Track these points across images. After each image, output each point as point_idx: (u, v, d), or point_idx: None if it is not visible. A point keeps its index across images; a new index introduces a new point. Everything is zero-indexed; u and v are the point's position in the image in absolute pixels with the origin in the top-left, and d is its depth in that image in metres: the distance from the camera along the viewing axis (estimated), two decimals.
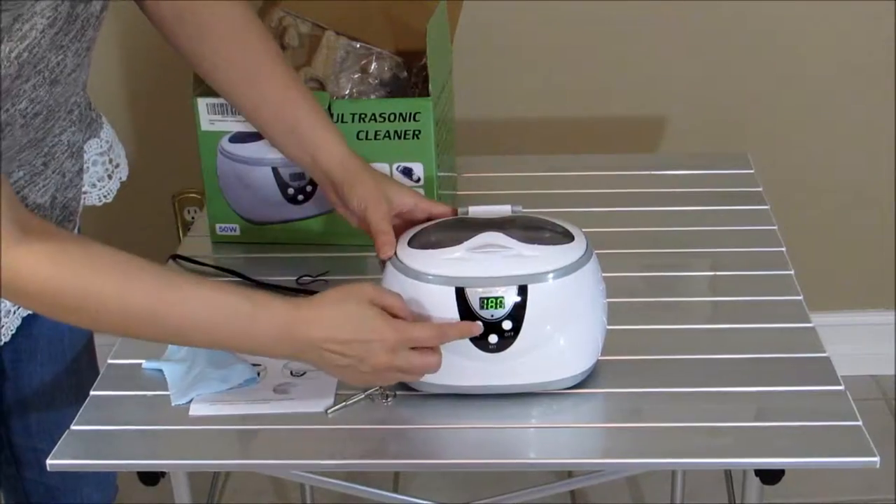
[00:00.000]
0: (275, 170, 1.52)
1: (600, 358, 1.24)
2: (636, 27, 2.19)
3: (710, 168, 1.75)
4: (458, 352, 1.17)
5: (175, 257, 1.54)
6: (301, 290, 1.44)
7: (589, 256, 1.20)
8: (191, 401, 1.23)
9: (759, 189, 1.68)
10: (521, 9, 2.16)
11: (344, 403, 1.22)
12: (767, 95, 2.25)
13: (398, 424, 1.20)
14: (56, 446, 1.17)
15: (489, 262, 1.17)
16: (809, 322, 1.34)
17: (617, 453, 1.18)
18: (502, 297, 1.16)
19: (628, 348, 1.29)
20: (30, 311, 1.28)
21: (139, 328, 1.10)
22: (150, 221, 2.26)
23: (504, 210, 1.27)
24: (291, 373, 1.27)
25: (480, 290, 1.16)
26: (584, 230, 1.24)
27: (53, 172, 1.24)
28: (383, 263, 1.23)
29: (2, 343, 1.28)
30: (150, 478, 1.22)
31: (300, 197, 1.53)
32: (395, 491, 2.11)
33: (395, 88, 1.57)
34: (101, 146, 1.37)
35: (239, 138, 1.51)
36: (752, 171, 1.74)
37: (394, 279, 1.20)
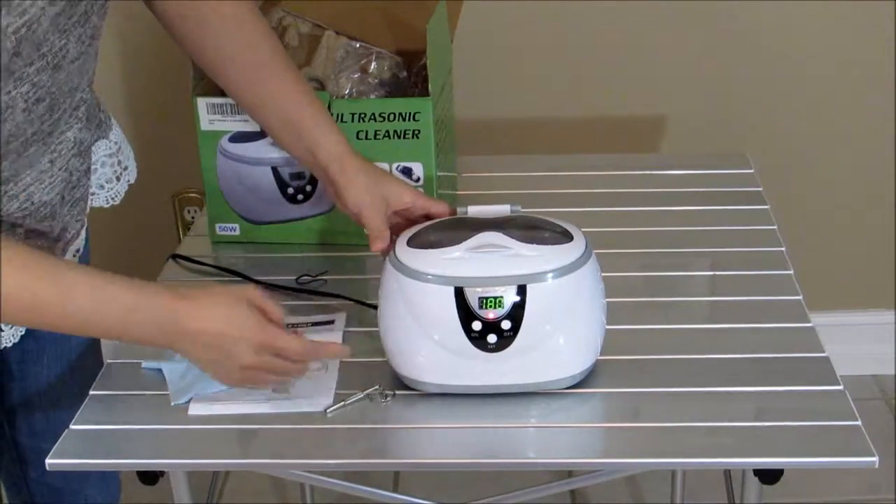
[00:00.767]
0: (275, 170, 1.52)
1: (599, 358, 1.24)
2: (636, 27, 2.19)
3: (710, 168, 1.75)
4: (458, 352, 1.17)
5: (175, 257, 1.54)
6: (301, 290, 1.44)
7: (588, 256, 1.20)
8: (190, 400, 1.23)
9: (759, 189, 1.68)
10: (521, 9, 2.16)
11: (343, 403, 1.22)
12: (767, 95, 2.25)
13: (398, 424, 1.21)
14: (55, 446, 1.17)
15: (488, 262, 1.17)
16: (809, 322, 1.34)
17: (616, 453, 1.18)
18: (501, 297, 1.16)
19: (627, 348, 1.29)
20: None
21: (37, 319, 1.11)
22: (150, 221, 2.26)
23: (503, 210, 1.27)
24: None
25: (479, 289, 1.16)
26: (583, 230, 1.24)
27: (60, 170, 1.24)
28: (384, 256, 1.25)
29: (9, 345, 1.28)
30: (150, 477, 1.22)
31: (300, 197, 1.53)
32: (395, 491, 2.11)
33: (395, 88, 1.57)
34: (110, 147, 1.37)
35: (239, 138, 1.51)
36: (752, 171, 1.74)
37: (393, 279, 1.20)
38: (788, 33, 2.20)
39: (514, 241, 1.19)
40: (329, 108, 1.48)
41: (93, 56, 1.22)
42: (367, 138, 1.49)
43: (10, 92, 1.09)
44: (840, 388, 1.21)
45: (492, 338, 1.17)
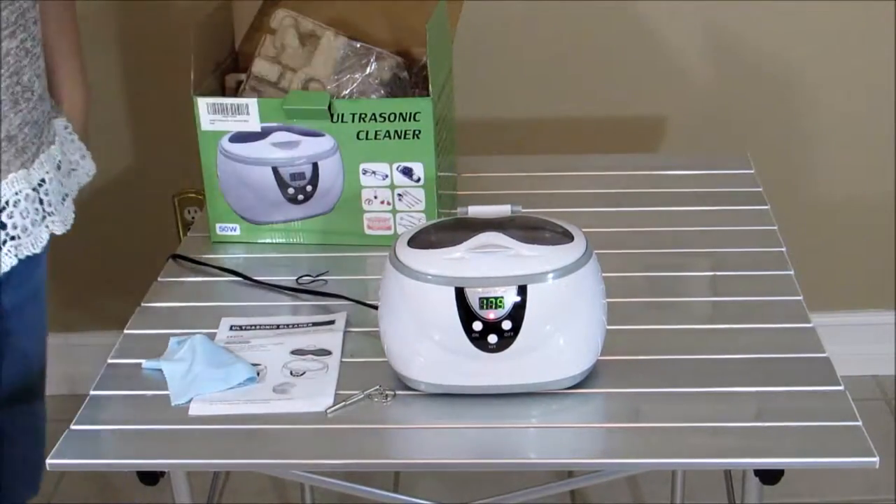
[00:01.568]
0: (275, 170, 1.52)
1: (600, 358, 1.24)
2: (636, 27, 2.19)
3: (710, 168, 1.75)
4: (458, 352, 1.17)
5: (175, 257, 1.54)
6: (301, 290, 1.44)
7: (589, 256, 1.20)
8: (190, 400, 1.23)
9: (759, 189, 1.68)
10: (521, 9, 2.16)
11: (343, 403, 1.22)
12: (768, 96, 2.24)
13: (398, 424, 1.20)
14: (56, 446, 1.17)
15: (489, 262, 1.17)
16: (809, 322, 1.34)
17: (617, 453, 1.18)
18: (502, 297, 1.16)
19: (628, 348, 1.29)
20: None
21: None
22: (150, 221, 2.26)
23: (504, 210, 1.27)
24: (291, 373, 1.27)
25: (480, 290, 1.16)
26: (583, 230, 1.24)
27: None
28: None
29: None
30: (150, 477, 1.22)
31: (300, 197, 1.53)
32: (395, 491, 2.11)
33: (395, 88, 1.57)
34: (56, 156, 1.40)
35: (239, 138, 1.51)
36: (752, 171, 1.74)
37: (394, 279, 1.20)
38: (789, 33, 2.20)
39: (514, 241, 1.19)
40: (329, 108, 1.48)
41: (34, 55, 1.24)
42: (367, 138, 1.49)
43: None
44: (840, 388, 1.21)
45: (492, 338, 1.17)
